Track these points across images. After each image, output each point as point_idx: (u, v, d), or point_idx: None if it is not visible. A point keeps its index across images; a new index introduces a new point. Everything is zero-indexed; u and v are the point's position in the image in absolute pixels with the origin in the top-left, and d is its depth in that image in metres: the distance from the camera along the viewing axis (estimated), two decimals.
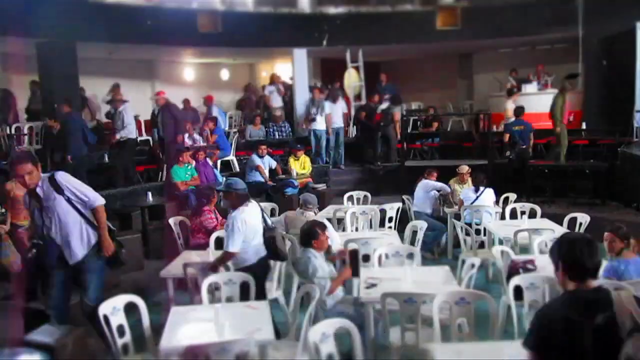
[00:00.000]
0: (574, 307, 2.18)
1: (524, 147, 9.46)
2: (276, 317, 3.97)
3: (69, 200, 4.03)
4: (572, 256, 2.29)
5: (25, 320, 3.98)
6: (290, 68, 12.65)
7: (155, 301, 5.04)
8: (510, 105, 10.42)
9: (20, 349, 3.40)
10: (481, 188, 7.15)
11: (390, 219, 6.96)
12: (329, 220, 6.38)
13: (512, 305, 3.87)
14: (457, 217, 7.04)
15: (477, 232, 6.51)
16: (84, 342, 4.05)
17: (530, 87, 11.83)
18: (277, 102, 12.57)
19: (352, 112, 12.16)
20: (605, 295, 2.17)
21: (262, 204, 7.52)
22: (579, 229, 6.04)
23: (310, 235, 4.39)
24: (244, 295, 4.09)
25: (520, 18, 11.30)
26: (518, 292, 3.87)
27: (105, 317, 3.53)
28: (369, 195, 8.25)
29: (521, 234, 5.57)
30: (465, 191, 7.32)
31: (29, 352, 3.34)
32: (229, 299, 4.10)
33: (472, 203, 7.03)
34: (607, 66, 11.00)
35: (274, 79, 13.05)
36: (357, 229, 6.65)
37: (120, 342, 3.56)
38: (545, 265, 4.36)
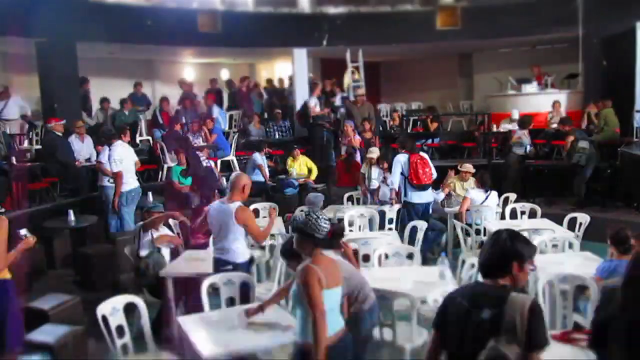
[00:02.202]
0: (467, 297, 2.32)
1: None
2: None
3: None
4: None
5: (25, 320, 3.99)
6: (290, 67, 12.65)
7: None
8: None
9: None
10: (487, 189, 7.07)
11: (390, 221, 6.90)
12: (328, 220, 6.37)
13: None
14: (457, 217, 7.01)
15: (477, 232, 6.48)
16: (84, 342, 4.06)
17: (530, 87, 11.82)
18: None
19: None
20: (502, 294, 2.25)
21: (262, 203, 7.57)
22: (579, 229, 6.04)
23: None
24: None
25: (520, 18, 11.27)
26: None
27: (104, 318, 3.53)
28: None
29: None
30: (473, 192, 7.16)
31: (29, 352, 3.35)
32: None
33: (481, 203, 6.94)
34: (607, 66, 10.99)
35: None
36: (358, 229, 6.63)
37: (119, 342, 3.56)
38: (545, 266, 4.37)
